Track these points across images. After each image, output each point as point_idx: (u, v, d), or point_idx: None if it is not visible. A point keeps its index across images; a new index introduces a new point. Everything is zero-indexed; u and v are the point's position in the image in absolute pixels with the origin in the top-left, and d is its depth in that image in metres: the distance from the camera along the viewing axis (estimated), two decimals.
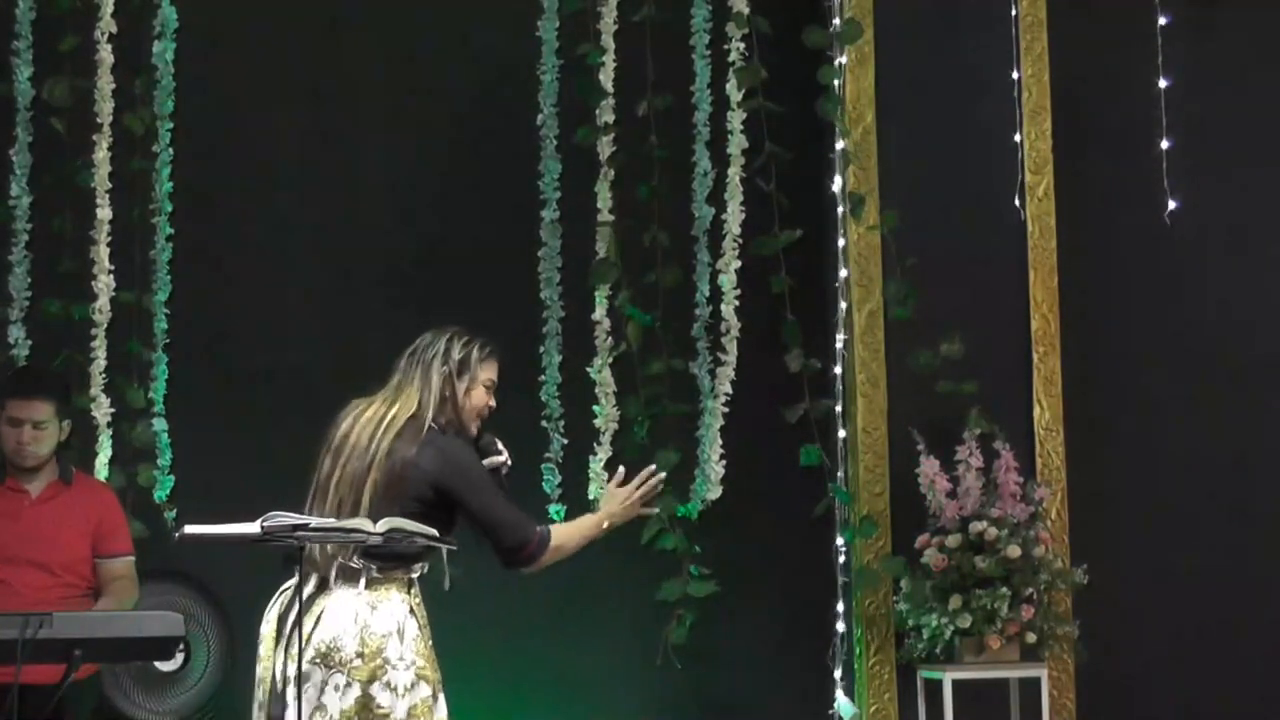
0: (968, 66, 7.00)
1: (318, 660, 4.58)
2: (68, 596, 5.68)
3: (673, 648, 6.78)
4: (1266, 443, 7.11)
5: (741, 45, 7.03)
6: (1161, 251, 7.14)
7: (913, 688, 6.69)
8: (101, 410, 6.71)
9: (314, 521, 4.49)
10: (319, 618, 4.63)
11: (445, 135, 7.06)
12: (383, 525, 4.53)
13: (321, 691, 4.56)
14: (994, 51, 7.00)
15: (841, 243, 6.94)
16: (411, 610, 4.69)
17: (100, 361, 6.75)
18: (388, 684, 4.58)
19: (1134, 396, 7.09)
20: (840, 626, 6.85)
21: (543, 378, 6.95)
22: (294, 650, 4.51)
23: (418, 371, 4.87)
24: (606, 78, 7.00)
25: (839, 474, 6.87)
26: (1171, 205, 7.10)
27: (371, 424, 4.78)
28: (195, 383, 6.82)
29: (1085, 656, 6.70)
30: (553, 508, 6.88)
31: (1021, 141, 6.99)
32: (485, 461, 4.91)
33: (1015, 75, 7.00)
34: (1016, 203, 6.98)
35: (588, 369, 6.96)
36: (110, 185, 6.79)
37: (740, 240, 7.03)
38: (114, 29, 6.83)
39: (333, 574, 4.68)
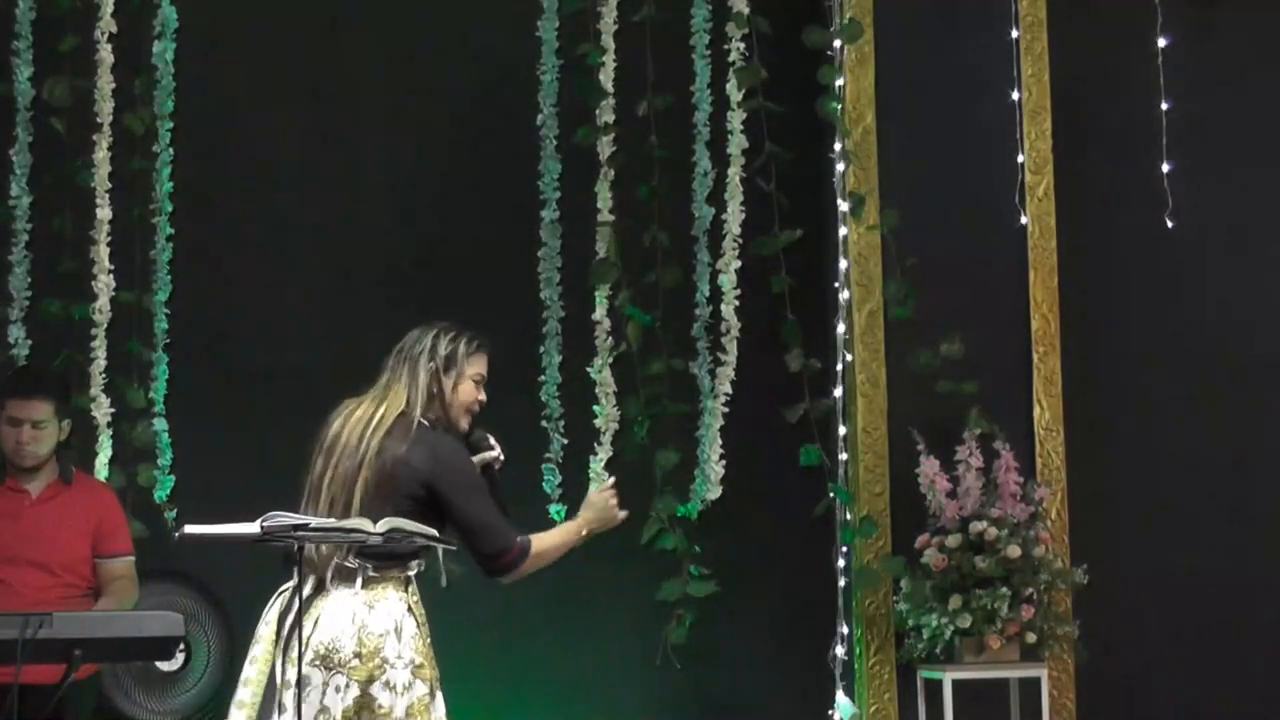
0: (968, 66, 7.00)
1: (317, 662, 4.57)
2: (68, 596, 5.68)
3: (672, 648, 6.78)
4: (1266, 443, 7.11)
5: (741, 45, 7.03)
6: (1161, 251, 7.14)
7: (913, 688, 6.69)
8: (101, 410, 6.71)
9: (314, 521, 4.49)
10: (317, 620, 4.63)
11: (445, 135, 7.06)
12: (383, 525, 4.53)
13: (323, 694, 4.56)
14: (994, 51, 7.00)
15: (841, 243, 6.94)
16: (409, 609, 4.69)
17: (100, 361, 6.75)
18: (386, 683, 4.58)
19: (1134, 396, 7.09)
20: (840, 626, 6.85)
21: (543, 378, 6.96)
22: (293, 654, 4.51)
23: (405, 368, 4.86)
24: (606, 78, 7.00)
25: (839, 474, 6.87)
26: (1171, 205, 7.10)
27: (361, 423, 4.78)
28: (195, 383, 6.82)
29: (1085, 656, 6.71)
30: (553, 508, 6.88)
31: (1021, 141, 6.99)
32: (477, 457, 4.91)
33: (1015, 75, 7.00)
34: (1016, 203, 6.98)
35: (588, 369, 6.96)
36: (110, 185, 6.79)
37: (740, 240, 7.03)
38: (114, 29, 6.83)
39: (329, 575, 4.68)
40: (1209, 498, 7.05)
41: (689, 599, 6.78)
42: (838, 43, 6.90)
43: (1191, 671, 6.92)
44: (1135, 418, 7.08)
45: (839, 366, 6.91)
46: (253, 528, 4.40)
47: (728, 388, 7.01)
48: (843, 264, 6.92)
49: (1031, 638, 6.49)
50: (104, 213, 6.77)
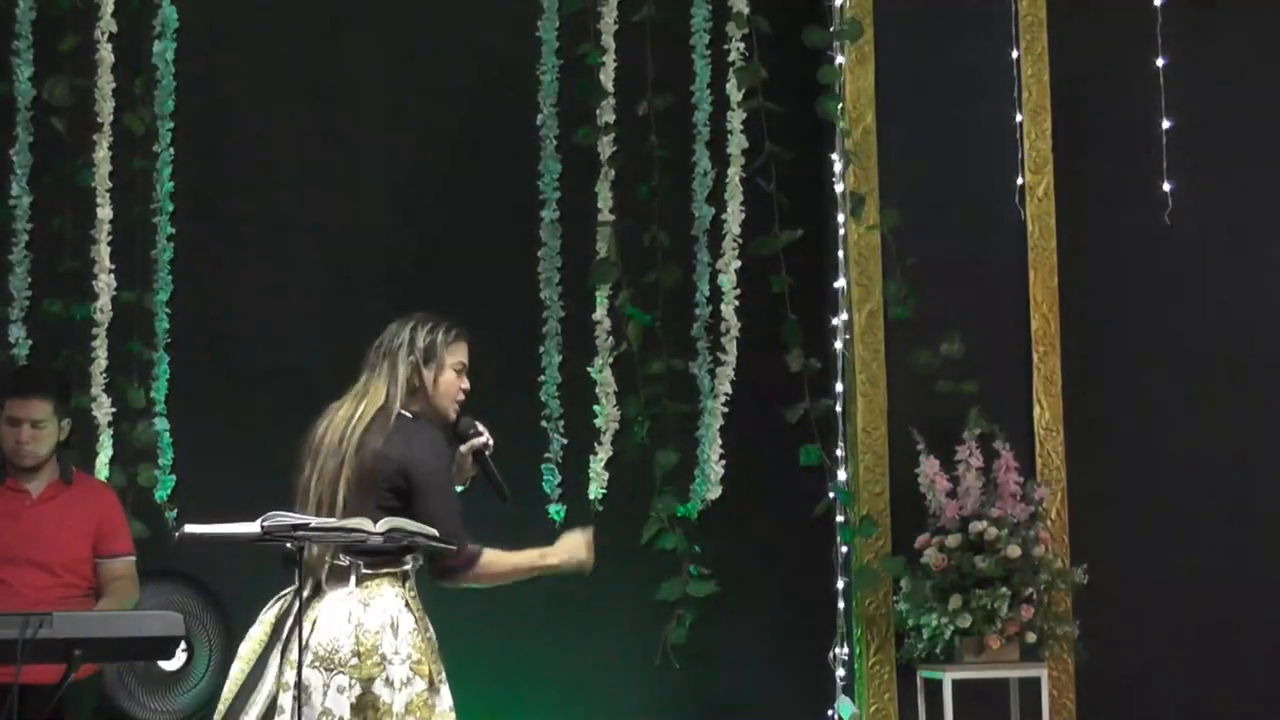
0: (968, 66, 7.00)
1: (317, 665, 4.58)
2: (68, 596, 5.68)
3: (672, 648, 6.79)
4: (1266, 443, 7.11)
5: (741, 45, 7.03)
6: (1161, 251, 7.14)
7: (913, 688, 6.69)
8: (102, 410, 6.71)
9: (314, 521, 4.49)
10: (315, 622, 4.63)
11: (445, 135, 7.06)
12: (383, 525, 4.53)
13: (325, 695, 4.56)
14: (994, 51, 7.00)
15: (841, 243, 6.94)
16: (406, 604, 4.69)
17: (101, 361, 6.75)
18: (386, 679, 4.59)
19: (1134, 396, 7.09)
20: (840, 626, 6.85)
21: (542, 378, 6.96)
22: (292, 656, 4.52)
23: (385, 364, 4.85)
24: (606, 78, 7.00)
25: (839, 474, 6.87)
26: (1171, 205, 7.10)
27: (343, 422, 4.78)
28: (196, 382, 6.82)
29: (1085, 656, 6.71)
30: (552, 508, 6.89)
31: (1021, 141, 6.99)
32: (465, 445, 4.91)
33: (1015, 75, 7.00)
34: (1016, 203, 6.98)
35: (588, 369, 6.96)
36: (110, 185, 6.79)
37: (740, 240, 7.03)
38: (114, 29, 6.83)
39: (324, 575, 4.68)
40: (1209, 498, 7.05)
41: (689, 599, 6.78)
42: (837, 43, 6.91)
43: (1191, 671, 6.92)
44: (1135, 418, 7.08)
45: (838, 366, 6.91)
46: (253, 528, 4.40)
47: (727, 388, 7.01)
48: (842, 264, 6.92)
49: (1031, 638, 6.49)
50: (104, 212, 6.77)
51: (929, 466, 6.61)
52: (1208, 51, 7.19)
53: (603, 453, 6.94)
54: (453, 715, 4.71)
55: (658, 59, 6.96)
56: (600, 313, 6.97)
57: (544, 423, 6.93)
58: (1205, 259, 7.17)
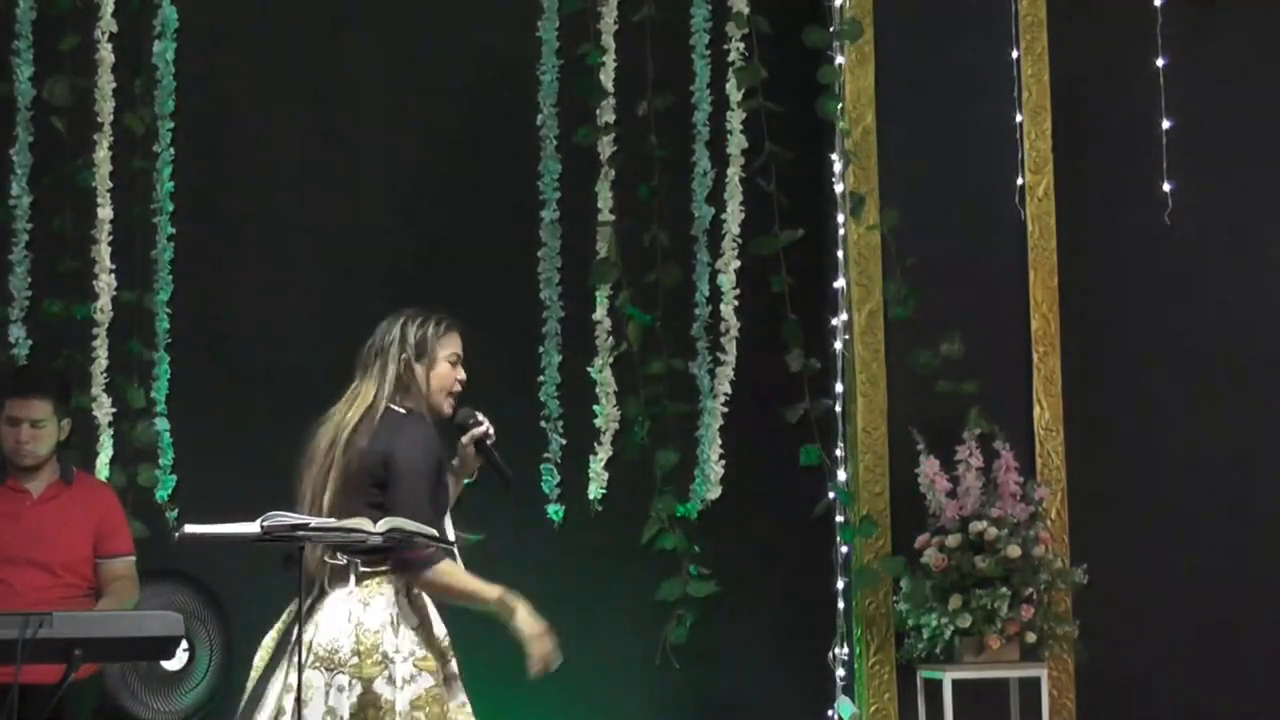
0: (968, 66, 7.00)
1: (319, 665, 4.58)
2: (68, 596, 5.68)
3: (672, 648, 6.79)
4: (1266, 443, 7.11)
5: (741, 45, 7.03)
6: (1161, 251, 7.14)
7: (913, 688, 6.69)
8: (103, 410, 6.71)
9: (314, 521, 4.50)
10: (317, 623, 4.64)
11: (445, 135, 7.06)
12: (383, 525, 4.53)
13: (327, 696, 4.56)
14: (994, 51, 7.00)
15: (841, 243, 6.94)
16: (410, 601, 4.68)
17: (101, 361, 6.75)
18: (388, 678, 4.59)
19: (1134, 396, 7.09)
20: (840, 626, 6.85)
21: (542, 378, 6.96)
22: (293, 657, 4.52)
23: (377, 363, 4.83)
24: (606, 78, 7.00)
25: (839, 474, 6.87)
26: (1171, 206, 7.10)
27: (334, 427, 4.78)
28: (196, 383, 6.82)
29: (1085, 656, 6.71)
30: (551, 508, 6.89)
31: (1021, 141, 6.99)
32: (466, 436, 4.90)
33: (1015, 75, 7.00)
34: (1016, 203, 6.98)
35: (588, 369, 6.96)
36: (111, 185, 6.79)
37: (740, 240, 7.03)
38: (114, 29, 6.83)
39: (326, 577, 4.68)
40: (1209, 498, 7.05)
41: (689, 599, 6.78)
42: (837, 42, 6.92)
43: (1191, 671, 6.92)
44: (1135, 418, 7.08)
45: (838, 366, 6.91)
46: (253, 528, 4.40)
47: (727, 388, 7.01)
48: (842, 264, 6.92)
49: (1031, 638, 6.49)
50: (105, 212, 6.77)
51: (929, 466, 6.61)
52: (1208, 51, 7.20)
53: (602, 453, 6.94)
54: (467, 708, 4.71)
55: (658, 59, 6.96)
56: (600, 313, 6.97)
57: (543, 423, 6.93)
58: (1205, 259, 7.17)
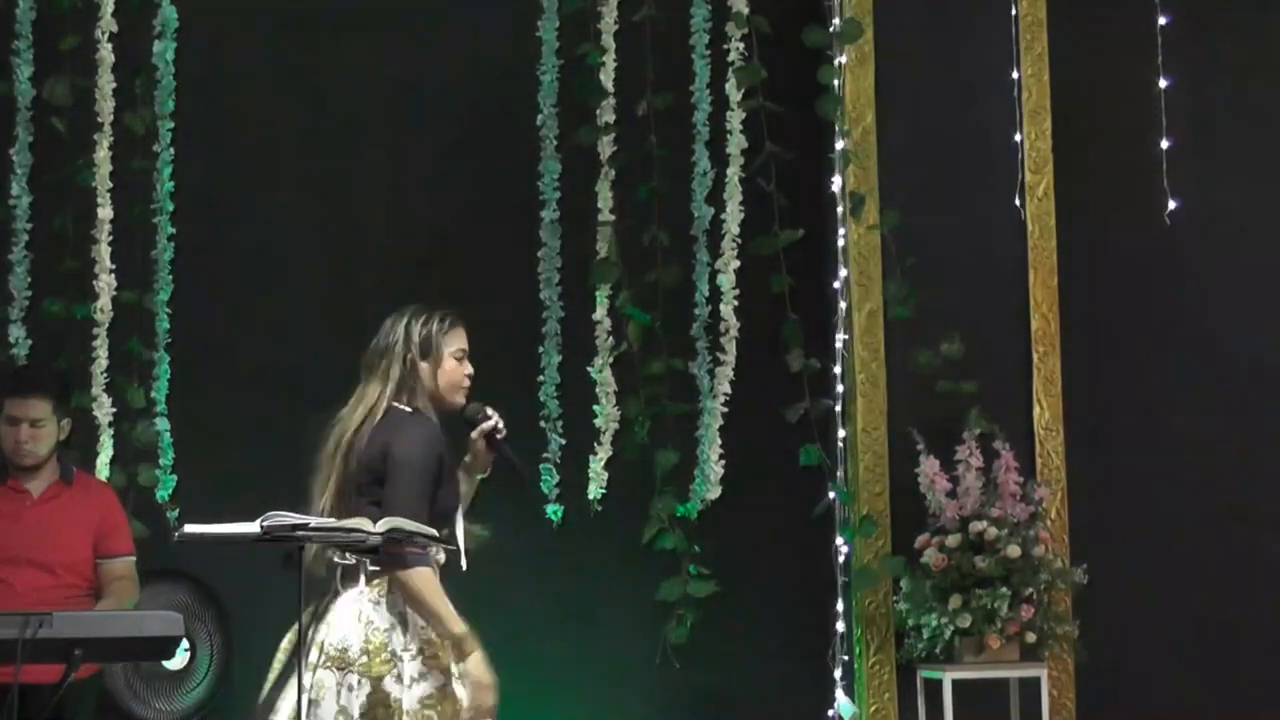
0: (968, 66, 7.00)
1: (329, 665, 4.58)
2: (68, 596, 5.68)
3: (672, 648, 6.78)
4: (1266, 443, 7.10)
5: (741, 45, 7.03)
6: (1161, 251, 7.14)
7: (913, 688, 6.69)
8: (103, 410, 6.71)
9: (314, 521, 4.50)
10: (330, 624, 4.64)
11: (445, 135, 7.06)
12: (383, 525, 4.53)
13: (338, 695, 4.56)
14: (994, 51, 7.00)
15: (841, 243, 6.94)
16: None
17: (102, 361, 6.75)
18: (397, 676, 4.59)
19: (1134, 396, 7.09)
20: (840, 626, 6.85)
21: (542, 378, 6.95)
22: (304, 658, 4.53)
23: (382, 363, 4.82)
24: (606, 78, 7.00)
25: (839, 474, 6.87)
26: (1171, 205, 7.10)
27: (339, 431, 4.79)
28: (196, 383, 6.82)
29: (1085, 656, 6.70)
30: (551, 508, 6.89)
31: (1021, 141, 6.99)
32: (475, 431, 4.88)
33: (1015, 75, 7.00)
34: (1016, 203, 6.98)
35: (588, 369, 6.96)
36: (111, 185, 6.79)
37: (740, 240, 7.03)
38: (114, 28, 6.83)
39: (338, 579, 4.68)
40: (1209, 498, 7.05)
41: (689, 599, 6.78)
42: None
43: (1191, 672, 6.92)
44: (1135, 418, 7.07)
45: (838, 367, 6.91)
46: (253, 527, 4.40)
47: (727, 388, 7.00)
48: (842, 264, 6.92)
49: (1031, 637, 6.49)
50: (105, 212, 6.77)
51: (929, 466, 6.61)
52: (1208, 51, 7.19)
53: (602, 453, 6.94)
54: None
55: (658, 59, 6.96)
56: (600, 313, 6.97)
57: (543, 423, 6.93)
58: (1205, 259, 7.17)
